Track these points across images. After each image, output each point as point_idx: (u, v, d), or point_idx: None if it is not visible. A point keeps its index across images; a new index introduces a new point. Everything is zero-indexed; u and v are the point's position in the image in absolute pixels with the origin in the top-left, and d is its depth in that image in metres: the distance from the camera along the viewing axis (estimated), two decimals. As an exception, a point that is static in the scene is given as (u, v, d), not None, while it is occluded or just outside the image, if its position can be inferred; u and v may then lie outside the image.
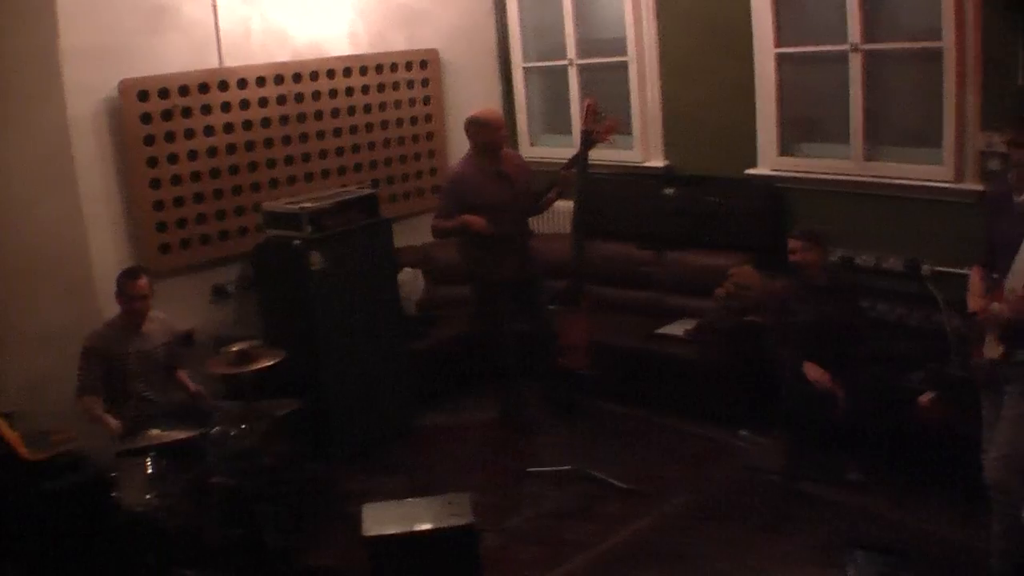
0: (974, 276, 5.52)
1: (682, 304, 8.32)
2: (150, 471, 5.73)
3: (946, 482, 6.24)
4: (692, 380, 7.65)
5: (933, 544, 5.84)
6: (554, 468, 7.08)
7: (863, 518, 6.21)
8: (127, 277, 6.62)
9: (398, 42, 9.20)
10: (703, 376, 7.57)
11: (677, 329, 8.06)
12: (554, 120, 10.02)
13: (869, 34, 7.50)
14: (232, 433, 6.13)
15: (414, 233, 8.97)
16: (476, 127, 7.43)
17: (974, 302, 5.32)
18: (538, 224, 8.46)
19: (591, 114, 7.36)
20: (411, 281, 8.66)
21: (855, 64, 7.57)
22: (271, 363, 6.30)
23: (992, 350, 5.17)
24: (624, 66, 9.06)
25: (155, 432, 6.08)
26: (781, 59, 8.04)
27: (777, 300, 6.92)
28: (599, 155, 8.00)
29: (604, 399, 8.05)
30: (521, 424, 7.89)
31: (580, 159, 7.35)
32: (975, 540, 5.57)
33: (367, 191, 7.83)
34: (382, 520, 5.43)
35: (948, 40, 7.00)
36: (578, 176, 7.37)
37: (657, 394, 7.94)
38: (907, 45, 7.41)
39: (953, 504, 6.14)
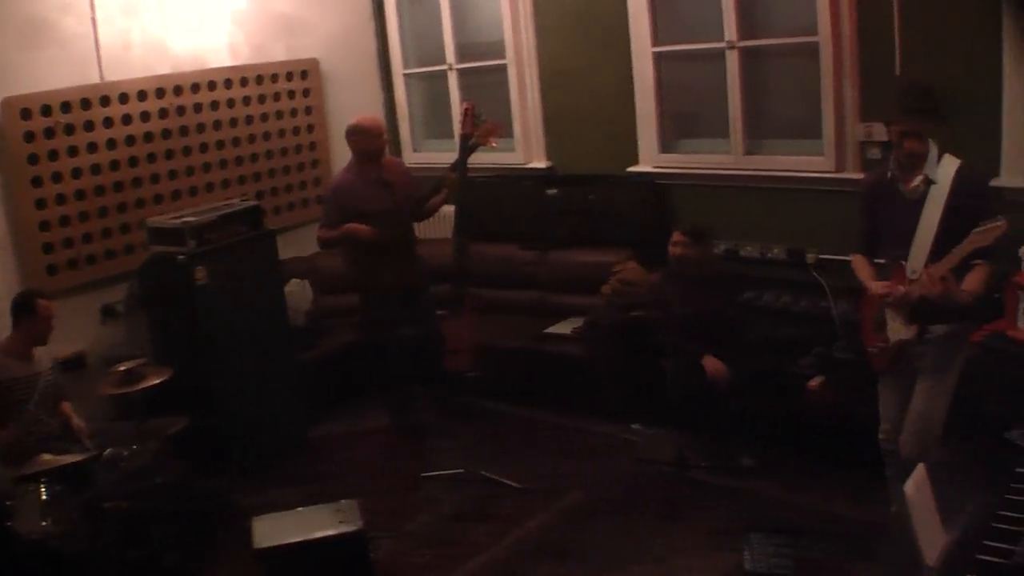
0: (859, 263, 5.67)
1: (569, 303, 8.36)
2: (44, 497, 5.57)
3: (837, 462, 6.35)
4: (582, 377, 7.69)
5: (827, 522, 5.95)
6: (447, 471, 7.06)
7: (757, 502, 6.32)
8: (37, 297, 6.46)
9: (278, 52, 9.10)
10: (592, 373, 7.61)
11: (565, 328, 8.11)
12: (437, 126, 10.00)
13: (745, 31, 7.62)
14: (124, 454, 6.03)
15: (300, 244, 8.91)
16: (355, 135, 7.38)
17: (877, 287, 5.43)
18: (424, 229, 8.41)
19: (470, 118, 7.35)
20: (299, 292, 8.58)
21: (732, 61, 7.69)
22: (159, 381, 6.24)
23: (899, 332, 5.34)
24: (504, 69, 9.08)
25: (47, 457, 5.87)
26: (659, 58, 8.12)
27: (659, 294, 6.96)
28: (481, 158, 8.00)
29: (495, 400, 8.05)
30: (413, 429, 7.88)
31: (460, 163, 7.33)
32: (868, 515, 5.73)
33: (250, 203, 7.72)
34: (272, 532, 5.39)
35: (824, 35, 7.15)
36: (458, 180, 7.34)
37: (548, 393, 7.98)
38: (783, 41, 7.55)
39: (845, 482, 6.27)
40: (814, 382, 6.60)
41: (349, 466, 7.48)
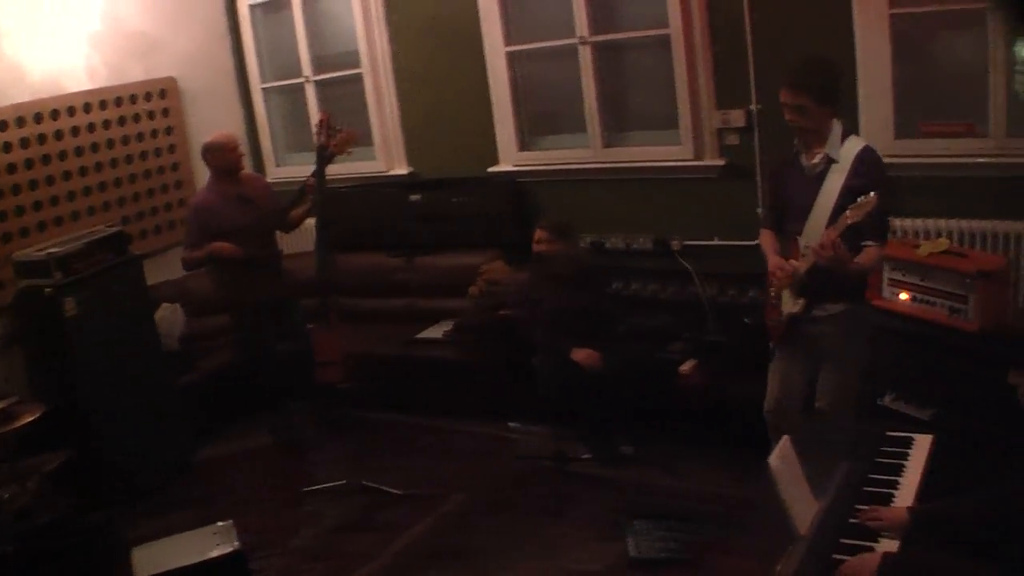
0: (764, 238, 5.75)
1: (440, 307, 8.41)
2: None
3: (717, 443, 6.50)
4: (457, 380, 7.74)
5: (709, 503, 6.08)
6: (329, 484, 7.02)
7: (639, 490, 6.40)
8: None
9: (136, 72, 8.88)
10: (466, 375, 7.67)
11: (436, 332, 8.17)
12: (298, 139, 9.93)
13: (597, 26, 7.73)
14: (5, 496, 5.92)
15: (170, 267, 8.66)
16: (211, 152, 7.32)
17: (772, 262, 5.52)
18: (292, 243, 8.43)
19: (324, 128, 7.30)
20: (170, 316, 8.44)
21: (585, 56, 7.80)
22: (32, 418, 6.11)
23: (790, 305, 5.45)
24: (360, 78, 9.06)
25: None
26: (512, 57, 8.21)
27: (526, 292, 7.03)
28: (342, 168, 8.07)
29: (372, 410, 8.00)
30: (294, 445, 7.84)
31: (318, 174, 7.27)
32: (751, 493, 5.74)
33: (115, 229, 7.57)
34: (152, 561, 5.28)
35: (675, 26, 7.32)
36: (317, 192, 7.29)
37: (424, 398, 7.98)
38: (635, 34, 7.68)
39: (726, 462, 6.40)
40: (686, 366, 6.71)
41: (234, 487, 7.38)
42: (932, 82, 6.74)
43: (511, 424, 7.36)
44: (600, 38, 7.74)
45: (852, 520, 3.88)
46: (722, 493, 6.15)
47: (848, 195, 5.08)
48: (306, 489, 7.07)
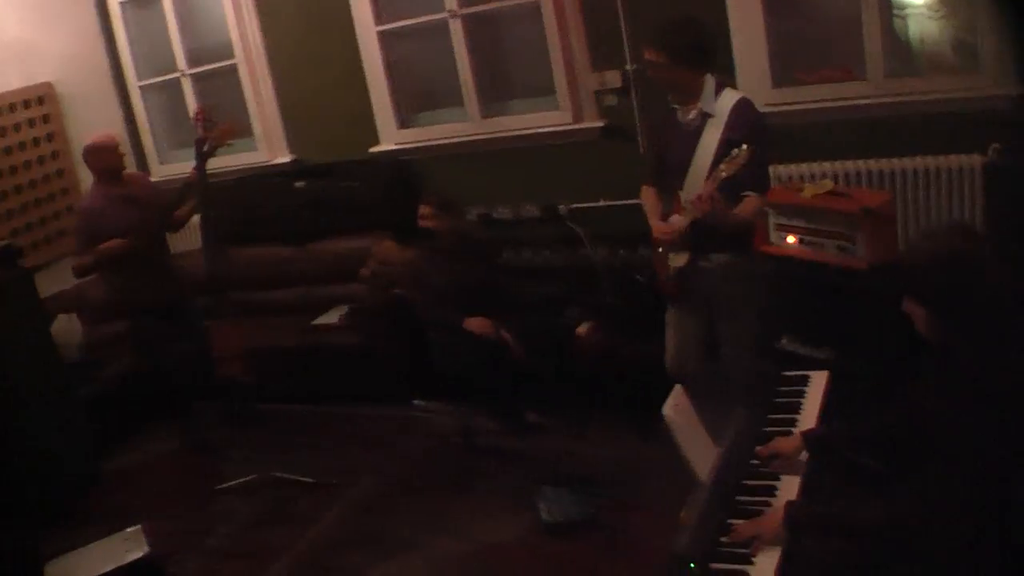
0: (645, 195, 5.79)
1: (336, 293, 8.37)
2: None
3: (620, 402, 6.50)
4: (358, 364, 7.70)
5: (618, 463, 6.16)
6: (241, 480, 7.00)
7: (548, 456, 6.43)
8: None
9: (12, 81, 8.73)
10: (367, 357, 7.63)
11: (332, 317, 8.16)
12: (180, 135, 9.76)
13: (467, -1, 7.75)
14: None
15: (64, 277, 8.51)
16: (91, 155, 7.18)
17: (654, 226, 5.58)
18: (185, 241, 8.37)
19: (201, 122, 7.19)
20: (67, 327, 8.36)
21: (456, 29, 7.84)
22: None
23: (676, 260, 5.51)
24: (235, 69, 8.99)
25: None
26: (384, 36, 8.20)
27: (416, 269, 7.02)
28: (224, 161, 8.02)
29: (278, 402, 7.96)
30: (203, 445, 7.78)
31: (199, 169, 7.13)
32: (659, 449, 5.85)
33: (3, 244, 7.48)
34: (65, 574, 5.32)
35: (543, -8, 7.36)
36: (200, 187, 7.19)
37: (327, 385, 7.97)
38: (504, 4, 7.71)
39: (632, 421, 6.34)
40: (582, 328, 6.74)
41: (147, 493, 7.32)
42: (807, 30, 6.91)
43: (416, 403, 7.36)
44: (470, 10, 7.77)
45: (753, 462, 3.97)
46: (630, 452, 6.21)
47: (725, 148, 5.13)
48: (219, 487, 7.04)
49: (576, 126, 7.57)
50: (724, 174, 5.00)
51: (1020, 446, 3.13)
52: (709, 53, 5.39)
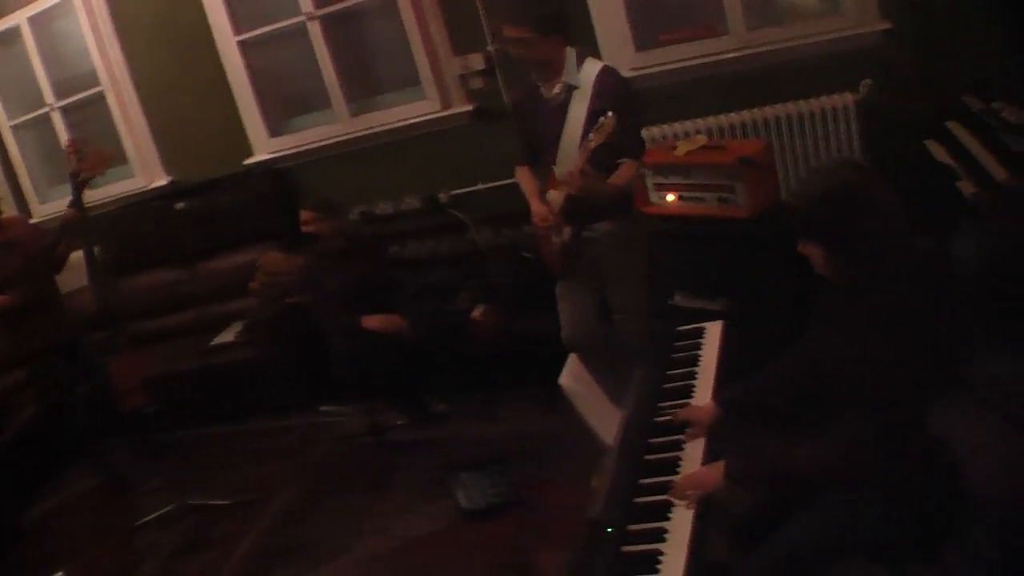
0: (520, 175, 5.81)
1: (229, 310, 8.30)
2: None
3: (523, 381, 6.58)
4: (260, 378, 7.68)
5: (528, 441, 6.17)
6: (159, 512, 6.88)
7: (460, 444, 6.48)
8: None
9: None
10: (268, 370, 7.62)
11: (228, 335, 8.06)
12: (57, 171, 9.50)
13: (321, 0, 7.73)
14: None
15: None
16: None
17: (534, 209, 5.59)
18: (70, 280, 8.16)
19: (73, 154, 7.08)
20: (-36, 382, 8.27)
21: (315, 31, 7.82)
22: None
23: (560, 234, 5.53)
24: (103, 96, 8.83)
25: None
26: (244, 46, 8.13)
27: (306, 276, 7.00)
28: (102, 192, 7.97)
29: (186, 428, 7.90)
30: (118, 482, 7.63)
31: (75, 202, 7.01)
32: (561, 424, 5.89)
33: None
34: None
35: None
36: (78, 221, 7.00)
37: (233, 403, 7.91)
38: (359, 1, 7.71)
39: (535, 399, 6.48)
40: (476, 312, 6.79)
41: (69, 539, 7.17)
42: None
43: (322, 408, 7.38)
44: (326, 10, 7.75)
45: (658, 419, 4.00)
46: (538, 429, 6.25)
47: (594, 118, 5.13)
48: (139, 522, 6.91)
49: (445, 112, 7.62)
50: (593, 143, 5.03)
51: (928, 370, 3.22)
52: (567, 23, 5.39)
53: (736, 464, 3.44)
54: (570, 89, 5.33)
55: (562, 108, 5.35)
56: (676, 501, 3.41)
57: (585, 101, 5.27)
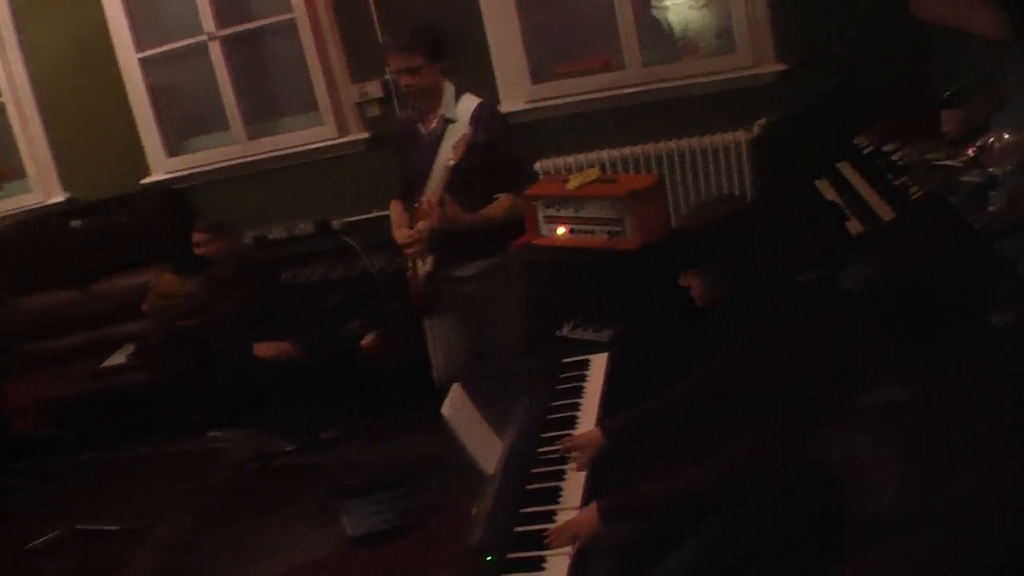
0: (392, 209, 5.84)
1: (122, 332, 8.10)
2: None
3: (414, 406, 6.51)
4: (151, 401, 7.53)
5: (417, 466, 6.22)
6: (45, 537, 6.73)
7: (347, 469, 6.50)
8: None
9: None
10: (160, 394, 7.48)
11: (120, 358, 7.92)
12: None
13: (224, 20, 7.73)
14: None
15: None
16: None
17: (398, 236, 5.59)
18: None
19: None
20: None
21: (216, 52, 7.80)
22: None
23: (424, 266, 5.55)
24: (3, 108, 8.63)
25: None
26: (145, 63, 8.05)
27: (198, 299, 7.00)
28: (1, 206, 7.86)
29: (77, 453, 7.75)
30: (9, 508, 7.44)
31: None
32: (449, 451, 5.94)
33: None
34: None
35: (299, 10, 7.45)
36: None
37: (124, 427, 7.74)
38: (262, 23, 7.75)
39: (426, 423, 6.26)
40: (366, 340, 6.83)
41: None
42: (562, 24, 7.20)
43: (210, 434, 7.37)
44: (228, 31, 7.73)
45: (540, 450, 4.04)
46: (428, 453, 6.19)
47: (469, 153, 5.16)
48: (26, 548, 6.76)
49: (342, 139, 7.67)
50: (451, 162, 5.09)
51: (805, 396, 3.30)
52: (451, 53, 5.46)
53: (610, 503, 3.46)
54: (446, 123, 5.37)
55: (437, 142, 5.39)
56: (553, 552, 3.40)
57: (459, 135, 5.26)
